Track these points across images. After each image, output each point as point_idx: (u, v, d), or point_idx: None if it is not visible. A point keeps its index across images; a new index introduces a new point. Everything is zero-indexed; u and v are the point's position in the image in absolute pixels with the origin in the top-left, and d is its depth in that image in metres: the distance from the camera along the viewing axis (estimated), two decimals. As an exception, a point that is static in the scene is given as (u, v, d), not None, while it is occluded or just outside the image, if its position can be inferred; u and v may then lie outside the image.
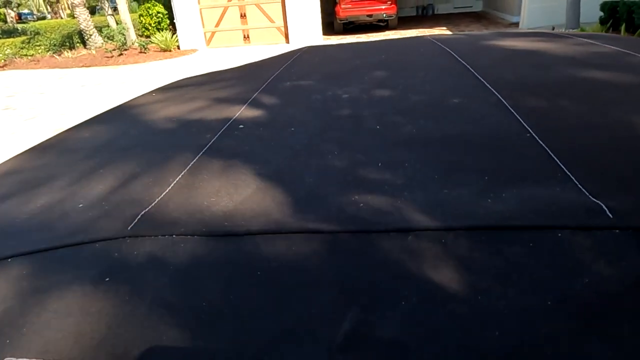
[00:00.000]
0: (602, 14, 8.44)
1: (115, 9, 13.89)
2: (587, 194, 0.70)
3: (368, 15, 11.79)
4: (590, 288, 0.56)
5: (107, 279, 0.67)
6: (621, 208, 0.66)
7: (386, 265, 0.63)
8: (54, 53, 12.49)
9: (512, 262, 0.61)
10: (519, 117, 1.00)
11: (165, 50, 11.68)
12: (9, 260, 0.77)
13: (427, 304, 0.57)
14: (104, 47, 12.25)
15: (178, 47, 12.13)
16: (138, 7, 13.81)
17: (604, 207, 0.66)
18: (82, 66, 10.75)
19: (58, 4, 22.66)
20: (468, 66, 1.43)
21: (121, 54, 11.46)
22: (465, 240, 0.65)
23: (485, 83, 1.24)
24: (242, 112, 1.32)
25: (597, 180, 0.74)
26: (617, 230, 0.62)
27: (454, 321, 0.54)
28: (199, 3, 12.16)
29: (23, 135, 5.45)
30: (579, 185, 0.73)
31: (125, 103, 1.81)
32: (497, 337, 0.52)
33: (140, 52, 11.56)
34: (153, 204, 0.84)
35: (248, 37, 12.48)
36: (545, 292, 0.56)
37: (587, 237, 0.62)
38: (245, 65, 2.27)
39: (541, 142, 0.88)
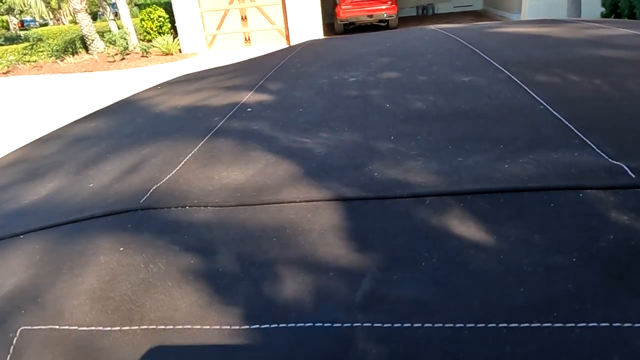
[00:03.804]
0: (603, 9, 8.43)
1: (116, 14, 13.96)
2: (606, 157, 0.69)
3: (368, 16, 11.80)
4: (615, 244, 0.54)
5: (121, 249, 0.66)
6: None
7: (403, 229, 0.62)
8: (56, 59, 12.55)
9: (534, 222, 0.59)
10: (530, 92, 0.99)
11: (166, 54, 11.73)
12: (21, 236, 0.76)
13: (448, 264, 0.56)
14: (106, 52, 12.30)
15: (179, 51, 12.18)
16: (139, 12, 13.87)
17: (624, 167, 0.65)
18: (85, 71, 10.80)
19: (60, 10, 22.78)
20: (475, 49, 1.42)
21: (123, 59, 11.51)
22: (484, 203, 0.64)
23: (494, 62, 1.23)
24: (249, 97, 1.31)
25: (615, 144, 0.73)
26: None
27: (476, 279, 0.53)
28: (199, 6, 12.21)
29: (28, 137, 5.47)
30: (598, 150, 0.72)
31: (129, 96, 1.81)
32: (522, 293, 0.51)
33: (142, 56, 11.61)
34: (164, 180, 0.83)
35: (249, 39, 12.52)
36: (570, 249, 0.55)
37: (610, 196, 0.61)
38: (250, 59, 2.27)
39: (555, 113, 0.87)
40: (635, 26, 1.60)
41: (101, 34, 12.89)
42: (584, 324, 0.46)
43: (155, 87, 1.94)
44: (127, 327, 0.54)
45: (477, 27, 2.08)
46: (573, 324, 0.47)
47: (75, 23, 14.48)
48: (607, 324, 0.46)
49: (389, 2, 11.60)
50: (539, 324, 0.47)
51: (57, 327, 0.56)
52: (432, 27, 2.15)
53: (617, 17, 7.93)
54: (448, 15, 14.54)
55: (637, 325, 0.45)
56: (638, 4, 7.34)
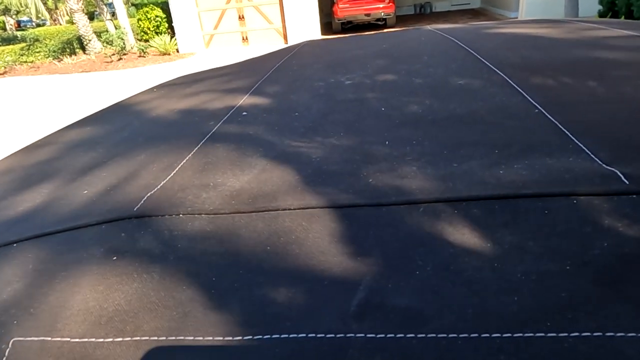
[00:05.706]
0: (600, 7, 8.43)
1: (113, 14, 13.93)
2: (600, 162, 0.69)
3: (366, 15, 11.79)
4: (608, 252, 0.54)
5: (114, 258, 0.66)
6: (636, 174, 0.65)
7: (398, 236, 0.62)
8: (53, 59, 12.52)
9: (528, 230, 0.59)
10: (526, 95, 0.99)
11: (164, 54, 11.71)
12: (14, 245, 0.76)
13: (442, 273, 0.56)
14: (103, 52, 12.28)
15: (177, 51, 12.15)
16: (136, 12, 13.84)
17: (618, 173, 0.65)
18: (82, 71, 10.77)
19: (57, 10, 22.72)
20: (471, 50, 1.42)
21: (120, 59, 11.48)
22: (478, 210, 0.64)
23: (490, 65, 1.23)
24: (245, 100, 1.31)
25: (609, 150, 0.73)
26: (634, 195, 0.61)
27: (470, 288, 0.53)
28: (197, 6, 12.18)
29: (26, 139, 5.45)
30: (592, 155, 0.71)
31: (124, 100, 1.80)
32: (516, 302, 0.51)
33: (140, 56, 11.58)
34: (159, 187, 0.82)
35: (247, 38, 12.49)
36: (563, 257, 0.55)
37: (603, 202, 0.61)
38: (246, 60, 2.26)
39: (550, 117, 0.87)
40: (632, 27, 1.60)
41: (98, 34, 12.85)
42: (576, 334, 0.46)
43: (151, 89, 1.94)
44: (120, 339, 0.54)
45: (473, 27, 2.08)
46: (566, 334, 0.47)
47: (72, 23, 14.45)
48: (599, 334, 0.46)
49: (387, 1, 11.58)
50: (532, 334, 0.47)
51: (50, 338, 0.56)
52: (428, 27, 2.14)
53: (615, 14, 7.93)
54: (446, 14, 14.53)
55: (630, 334, 0.45)
56: (635, 2, 7.34)
